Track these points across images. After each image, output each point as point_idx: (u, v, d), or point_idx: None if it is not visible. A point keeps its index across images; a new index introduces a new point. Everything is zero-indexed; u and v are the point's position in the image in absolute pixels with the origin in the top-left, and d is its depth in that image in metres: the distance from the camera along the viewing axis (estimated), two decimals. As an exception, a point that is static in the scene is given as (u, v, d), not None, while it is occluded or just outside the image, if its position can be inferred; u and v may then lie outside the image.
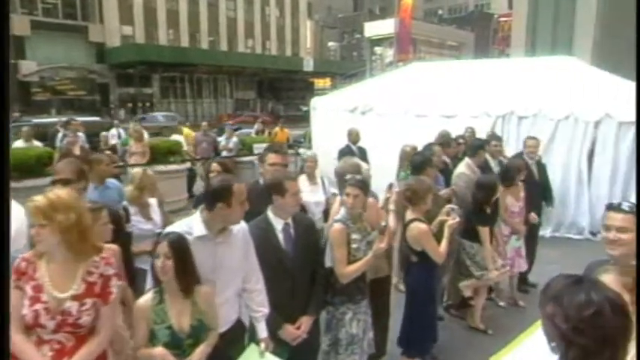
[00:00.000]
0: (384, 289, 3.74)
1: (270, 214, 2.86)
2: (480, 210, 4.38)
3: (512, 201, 5.06)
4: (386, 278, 3.71)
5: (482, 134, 7.21)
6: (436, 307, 3.94)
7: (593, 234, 7.58)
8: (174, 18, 36.79)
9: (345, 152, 7.20)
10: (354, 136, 7.32)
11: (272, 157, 3.61)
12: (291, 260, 2.86)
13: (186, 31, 37.59)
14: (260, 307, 2.72)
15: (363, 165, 3.83)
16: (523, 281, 5.70)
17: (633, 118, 7.12)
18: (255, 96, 42.11)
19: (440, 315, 4.92)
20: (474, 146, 5.15)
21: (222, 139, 11.22)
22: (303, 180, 5.08)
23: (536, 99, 8.04)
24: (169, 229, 2.53)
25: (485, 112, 8.31)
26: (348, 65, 43.13)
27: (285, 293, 2.84)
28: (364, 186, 3.12)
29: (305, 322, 2.91)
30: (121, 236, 3.13)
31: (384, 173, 6.53)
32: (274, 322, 2.82)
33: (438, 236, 3.62)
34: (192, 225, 2.46)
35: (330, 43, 48.06)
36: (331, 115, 10.64)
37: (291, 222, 2.91)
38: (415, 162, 4.35)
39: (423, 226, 3.40)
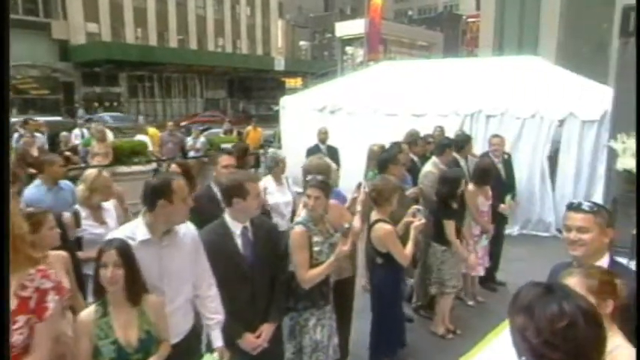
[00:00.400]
0: (347, 291, 3.63)
1: (227, 218, 2.71)
2: (445, 205, 4.33)
3: (483, 200, 5.05)
4: (349, 279, 3.60)
5: (451, 133, 7.22)
6: (400, 310, 3.85)
7: (560, 231, 7.67)
8: (141, 16, 35.94)
9: (313, 151, 7.09)
10: (322, 135, 7.19)
11: (225, 159, 3.46)
12: (250, 266, 2.71)
13: (155, 29, 36.78)
14: (214, 315, 2.56)
15: (332, 165, 3.70)
16: (491, 279, 5.70)
17: (596, 117, 7.25)
18: (226, 95, 41.53)
19: (409, 316, 4.87)
20: (441, 145, 5.10)
21: (189, 139, 10.97)
22: (269, 181, 4.94)
23: (504, 98, 8.11)
24: (110, 235, 2.35)
25: (454, 110, 8.34)
26: (320, 65, 43.01)
27: (244, 300, 2.70)
28: (326, 187, 3.00)
29: (266, 330, 2.77)
30: (67, 241, 2.93)
31: (353, 173, 6.47)
32: (233, 331, 2.68)
33: (404, 238, 3.54)
34: (134, 230, 2.29)
35: (302, 43, 47.85)
36: (300, 115, 10.53)
37: (250, 226, 2.77)
38: (380, 160, 4.25)
39: (387, 227, 3.30)
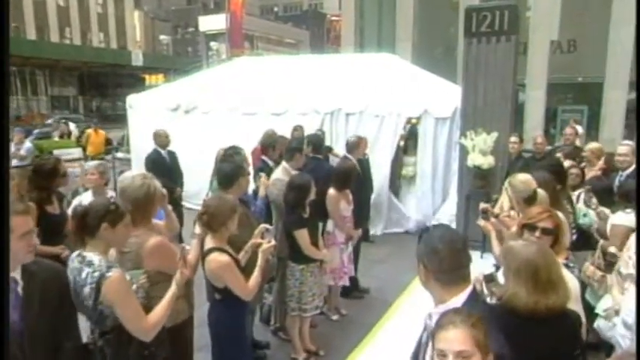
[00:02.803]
0: (185, 336, 2.96)
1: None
2: (294, 214, 3.89)
3: (345, 205, 4.70)
4: (187, 322, 2.94)
5: (311, 132, 6.91)
6: (247, 348, 3.28)
7: (422, 229, 7.81)
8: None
9: (153, 158, 6.18)
10: (162, 139, 6.27)
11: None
12: (19, 334, 1.92)
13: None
14: None
15: (155, 187, 2.93)
16: (355, 288, 5.44)
17: (448, 114, 7.46)
18: (76, 93, 37.35)
19: (264, 343, 4.37)
20: (290, 149, 4.60)
21: (12, 146, 9.20)
22: (88, 198, 4.05)
23: (363, 96, 8.02)
24: None
25: (314, 109, 8.06)
26: (183, 61, 40.85)
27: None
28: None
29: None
30: None
31: (207, 180, 5.78)
32: None
33: (253, 259, 3.00)
34: None
35: (162, 37, 44.82)
36: (152, 115, 9.44)
37: (20, 277, 1.97)
38: (225, 173, 3.56)
39: (223, 258, 2.69)
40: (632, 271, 3.11)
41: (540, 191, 3.06)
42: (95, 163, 4.34)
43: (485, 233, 3.61)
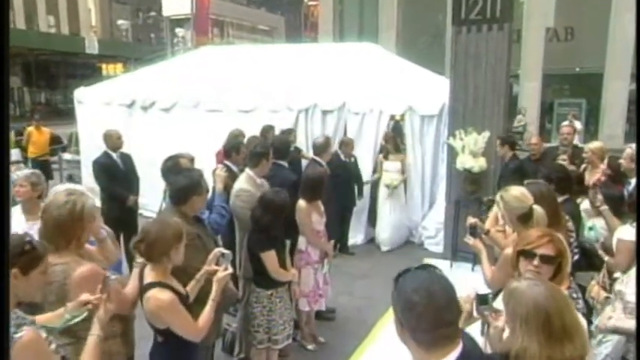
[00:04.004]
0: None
1: None
2: (260, 232, 3.70)
3: (317, 218, 4.49)
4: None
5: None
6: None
7: (409, 239, 7.67)
8: None
9: (102, 163, 5.87)
10: (114, 141, 5.95)
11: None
12: None
13: None
14: None
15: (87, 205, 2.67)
16: (329, 309, 5.22)
17: (435, 111, 7.32)
18: (21, 83, 36.23)
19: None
20: (255, 154, 4.35)
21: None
22: (17, 214, 3.78)
23: (341, 91, 7.84)
24: None
25: (287, 105, 7.85)
26: (145, 49, 40.07)
27: None
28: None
29: None
30: None
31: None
32: None
33: (206, 290, 2.78)
34: None
35: (121, 22, 43.84)
36: (103, 111, 9.13)
37: None
38: (177, 188, 3.26)
39: (163, 295, 2.43)
40: (620, 287, 3.02)
41: (537, 208, 2.88)
42: (26, 172, 4.03)
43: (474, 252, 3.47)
